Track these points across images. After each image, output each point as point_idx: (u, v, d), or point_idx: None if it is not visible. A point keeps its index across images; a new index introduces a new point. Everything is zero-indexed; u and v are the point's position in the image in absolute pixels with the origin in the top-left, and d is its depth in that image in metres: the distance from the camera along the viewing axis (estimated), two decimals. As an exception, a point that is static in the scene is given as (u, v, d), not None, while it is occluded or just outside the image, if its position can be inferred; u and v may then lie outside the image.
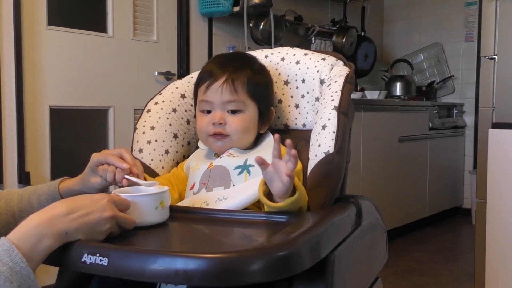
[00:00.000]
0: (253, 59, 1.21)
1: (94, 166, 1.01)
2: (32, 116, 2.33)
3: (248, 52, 1.31)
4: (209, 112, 1.14)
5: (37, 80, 2.35)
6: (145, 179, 1.05)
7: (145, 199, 0.89)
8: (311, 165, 1.07)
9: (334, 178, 1.03)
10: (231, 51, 3.07)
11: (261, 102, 1.15)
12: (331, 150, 1.04)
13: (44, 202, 1.05)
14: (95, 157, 1.01)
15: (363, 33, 4.15)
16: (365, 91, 3.85)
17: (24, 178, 2.27)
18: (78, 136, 2.56)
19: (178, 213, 0.96)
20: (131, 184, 0.97)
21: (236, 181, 1.09)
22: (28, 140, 2.31)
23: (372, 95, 3.76)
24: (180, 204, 1.09)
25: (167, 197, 0.92)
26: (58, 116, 2.44)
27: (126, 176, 0.96)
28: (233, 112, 1.12)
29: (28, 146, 2.31)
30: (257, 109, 1.15)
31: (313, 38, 3.66)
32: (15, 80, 2.24)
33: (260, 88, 1.15)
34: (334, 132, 1.06)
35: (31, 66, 2.32)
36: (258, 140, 1.19)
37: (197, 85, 1.17)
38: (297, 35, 3.62)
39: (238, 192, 1.05)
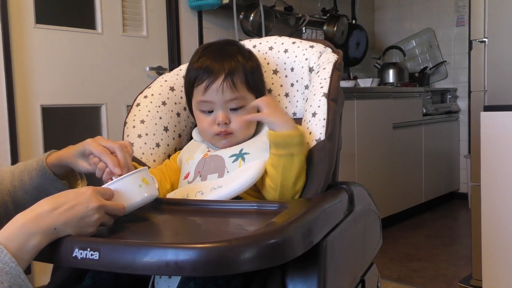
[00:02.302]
0: (242, 45, 1.20)
1: (86, 153, 1.00)
2: (24, 116, 2.32)
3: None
4: (210, 112, 1.12)
5: (28, 80, 2.33)
6: (135, 168, 1.05)
7: (125, 180, 0.89)
8: (303, 153, 1.07)
9: (326, 165, 1.03)
10: (218, 39, 3.05)
11: (257, 91, 1.14)
12: (322, 137, 1.04)
13: (35, 178, 1.05)
14: (90, 146, 0.98)
15: (354, 21, 4.14)
16: (358, 79, 3.85)
17: (18, 178, 2.26)
18: (71, 134, 2.54)
19: (169, 205, 0.96)
20: None
21: (231, 168, 1.08)
22: (21, 140, 2.30)
23: (365, 83, 3.76)
24: (173, 192, 1.09)
25: (148, 175, 0.92)
26: (51, 115, 2.43)
27: (114, 178, 0.95)
28: (235, 109, 1.11)
29: (21, 146, 2.30)
30: (255, 98, 1.13)
31: (304, 28, 3.65)
32: (5, 81, 2.22)
33: (255, 75, 1.14)
34: (324, 119, 1.06)
35: (21, 66, 2.31)
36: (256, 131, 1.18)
37: (193, 84, 1.13)
38: (288, 25, 3.60)
39: (232, 179, 1.04)
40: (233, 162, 1.09)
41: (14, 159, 2.26)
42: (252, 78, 1.13)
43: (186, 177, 1.12)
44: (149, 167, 1.19)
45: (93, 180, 1.01)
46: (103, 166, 0.97)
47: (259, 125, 1.18)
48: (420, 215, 3.78)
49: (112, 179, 0.95)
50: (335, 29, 3.83)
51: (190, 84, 1.14)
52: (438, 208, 4.00)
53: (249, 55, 1.16)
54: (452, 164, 4.20)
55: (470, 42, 2.39)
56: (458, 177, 4.27)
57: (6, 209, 1.05)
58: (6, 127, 2.24)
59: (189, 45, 3.00)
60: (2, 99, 2.22)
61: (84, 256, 0.75)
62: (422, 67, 4.32)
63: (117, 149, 0.98)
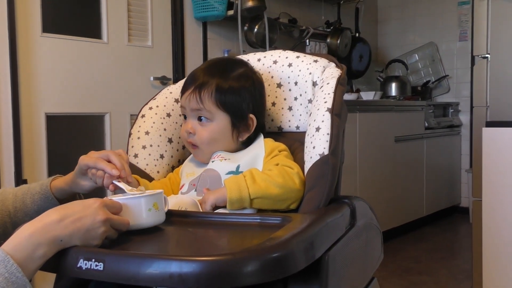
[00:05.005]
0: (237, 65, 1.19)
1: (83, 170, 1.02)
2: (29, 124, 2.33)
3: (240, 56, 1.32)
4: (186, 117, 1.18)
5: (33, 87, 2.35)
6: (137, 181, 1.06)
7: (137, 201, 0.89)
8: (306, 167, 1.08)
9: (329, 179, 1.04)
10: (225, 55, 3.08)
11: (232, 111, 1.14)
12: (326, 152, 1.05)
13: (37, 201, 1.07)
14: (84, 160, 1.01)
15: (357, 34, 4.16)
16: (360, 92, 3.86)
17: (21, 186, 2.27)
18: (75, 142, 2.56)
19: (173, 217, 0.97)
20: (118, 189, 0.97)
21: None
22: (25, 147, 2.31)
23: (368, 95, 3.77)
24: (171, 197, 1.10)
25: (161, 199, 0.92)
26: (55, 123, 2.45)
27: (114, 182, 0.97)
28: (202, 120, 1.14)
29: (25, 153, 2.31)
30: (229, 119, 1.14)
31: (307, 40, 3.67)
32: (11, 88, 2.24)
33: (228, 96, 1.13)
34: (328, 134, 1.07)
35: (27, 73, 2.33)
36: (251, 140, 1.19)
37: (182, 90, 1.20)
38: (292, 37, 3.63)
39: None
40: None
41: (18, 166, 2.27)
42: (224, 98, 1.13)
43: (181, 188, 1.15)
44: (153, 179, 1.20)
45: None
46: (101, 173, 0.99)
47: (252, 137, 1.19)
48: (421, 228, 3.78)
49: (113, 183, 0.96)
50: (338, 41, 3.85)
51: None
52: (439, 222, 4.00)
53: (238, 77, 1.16)
54: (453, 178, 4.20)
55: (473, 58, 2.40)
56: (460, 191, 4.27)
57: (5, 230, 1.06)
58: (11, 134, 2.25)
59: (193, 56, 3.02)
60: (7, 106, 2.24)
61: (89, 267, 0.75)
62: (425, 80, 4.33)
63: (110, 155, 1.00)
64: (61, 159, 2.47)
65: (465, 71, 4.21)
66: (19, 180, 2.27)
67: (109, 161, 1.00)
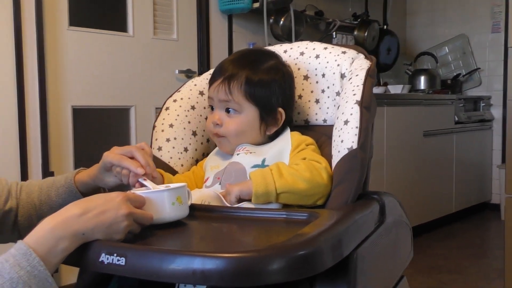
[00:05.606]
0: (266, 57, 1.16)
1: (108, 167, 1.01)
2: (55, 117, 2.36)
3: (267, 48, 1.29)
4: (213, 109, 1.15)
5: (60, 81, 2.37)
6: (162, 176, 1.04)
7: (160, 195, 0.87)
8: (334, 161, 1.05)
9: (358, 174, 1.01)
10: (251, 47, 3.05)
11: (261, 104, 1.11)
12: (355, 146, 1.02)
13: (62, 194, 1.06)
14: (108, 157, 0.99)
15: (385, 27, 4.09)
16: (388, 86, 3.79)
17: (48, 178, 2.30)
18: (100, 135, 2.58)
19: (197, 212, 0.95)
20: (144, 187, 0.96)
21: None
22: (51, 140, 2.34)
23: (396, 89, 3.70)
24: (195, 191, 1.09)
25: (185, 193, 0.90)
26: (81, 116, 2.46)
27: (140, 180, 0.95)
28: (229, 111, 1.11)
29: (51, 146, 2.34)
30: (258, 111, 1.12)
31: (334, 33, 3.61)
32: (38, 81, 2.26)
33: (258, 89, 1.10)
34: (357, 127, 1.03)
35: (54, 67, 2.35)
36: (277, 133, 1.16)
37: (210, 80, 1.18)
38: (318, 30, 3.58)
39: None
40: None
41: (45, 158, 2.29)
42: (253, 90, 1.10)
43: (205, 181, 1.13)
44: (176, 172, 1.18)
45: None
46: (127, 172, 0.97)
47: (279, 130, 1.16)
48: (450, 225, 3.69)
49: (139, 182, 0.95)
50: (365, 34, 3.78)
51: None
52: (468, 218, 3.90)
53: (267, 69, 1.12)
54: (484, 174, 4.09)
55: (506, 49, 2.32)
56: (491, 188, 4.16)
57: (31, 222, 1.06)
58: (38, 126, 2.27)
59: (218, 49, 3.00)
60: (34, 99, 2.26)
61: (111, 261, 0.74)
62: (455, 74, 4.23)
63: (134, 151, 0.98)
64: (87, 151, 2.49)
65: (497, 63, 4.09)
66: (46, 172, 2.29)
67: (132, 157, 0.98)
